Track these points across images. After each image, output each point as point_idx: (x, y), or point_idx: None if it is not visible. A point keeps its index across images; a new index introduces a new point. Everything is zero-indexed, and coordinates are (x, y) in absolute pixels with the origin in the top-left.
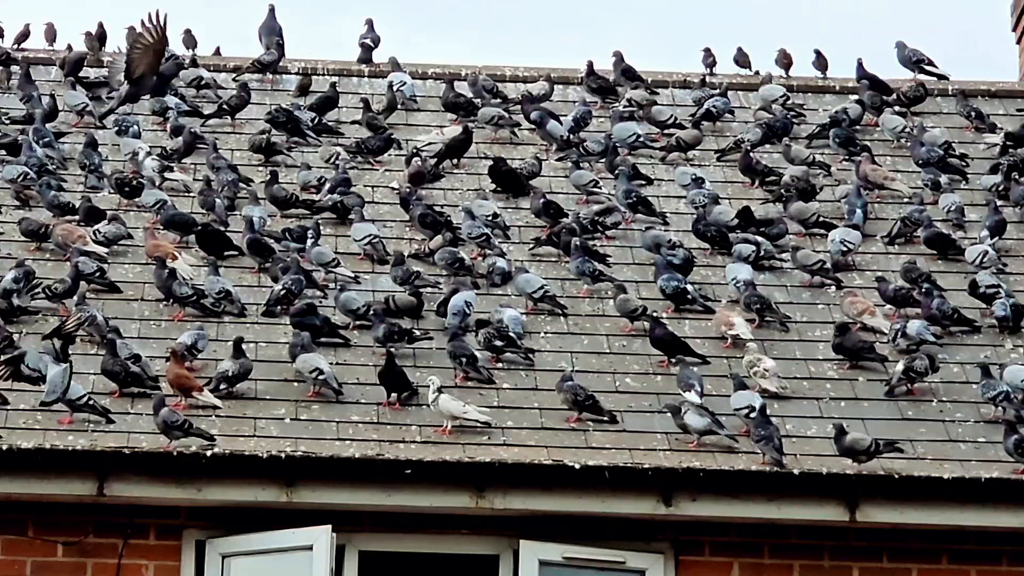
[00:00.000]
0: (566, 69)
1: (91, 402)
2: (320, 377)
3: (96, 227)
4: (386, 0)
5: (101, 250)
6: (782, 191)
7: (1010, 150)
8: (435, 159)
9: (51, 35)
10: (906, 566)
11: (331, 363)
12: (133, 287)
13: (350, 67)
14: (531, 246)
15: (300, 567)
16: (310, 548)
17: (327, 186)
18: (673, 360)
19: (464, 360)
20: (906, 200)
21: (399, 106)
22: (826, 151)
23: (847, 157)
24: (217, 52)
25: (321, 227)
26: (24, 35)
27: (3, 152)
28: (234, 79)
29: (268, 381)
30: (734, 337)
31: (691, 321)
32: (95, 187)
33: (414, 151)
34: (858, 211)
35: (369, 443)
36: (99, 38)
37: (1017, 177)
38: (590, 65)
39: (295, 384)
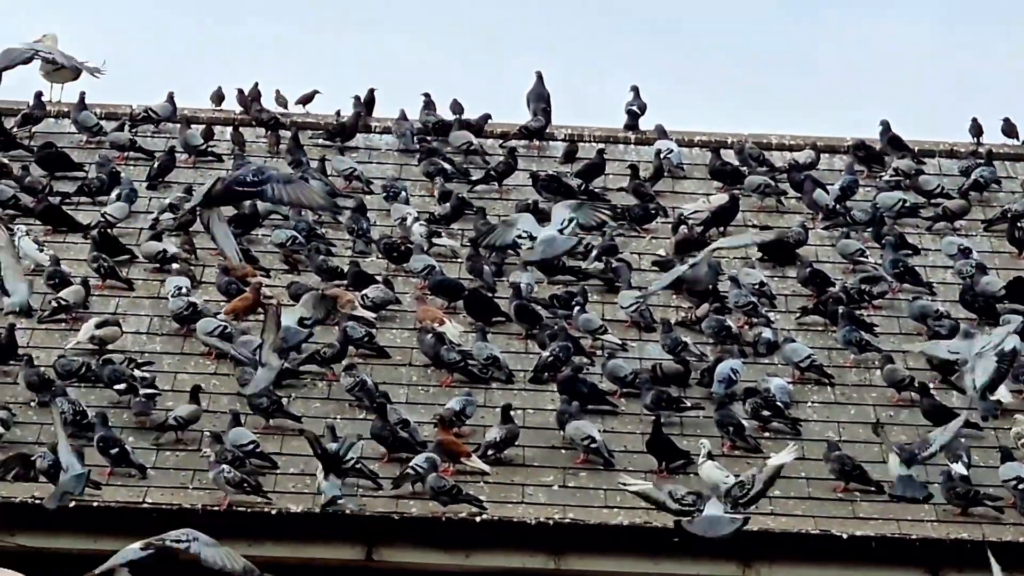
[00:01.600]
0: (832, 138)
1: (359, 466)
2: (592, 445)
3: (364, 292)
4: (651, 67)
5: (369, 315)
6: None
7: None
8: (702, 227)
9: (307, 99)
10: None
11: (599, 430)
12: (401, 352)
13: (616, 134)
14: (798, 315)
15: None
16: None
17: (594, 253)
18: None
19: (731, 429)
20: None
21: (665, 173)
22: None
23: None
24: (486, 118)
25: (588, 294)
26: (308, 98)
27: (278, 217)
28: (501, 145)
29: (536, 448)
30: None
31: (959, 393)
32: (363, 252)
33: (681, 218)
34: None
35: (637, 511)
36: (367, 104)
37: None
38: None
39: (563, 451)
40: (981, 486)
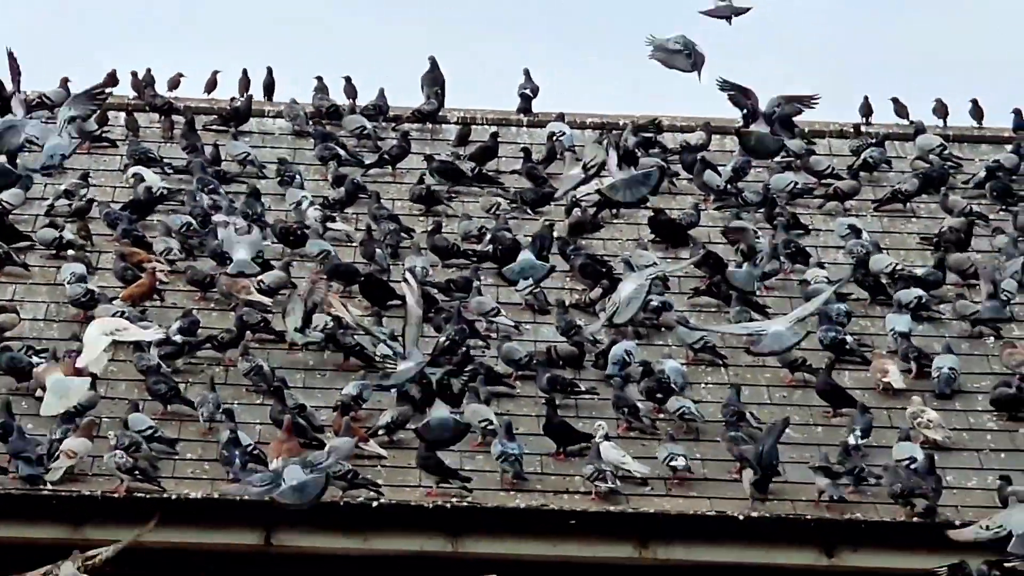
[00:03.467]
0: (723, 119)
1: (256, 451)
2: (489, 427)
3: (259, 277)
4: (542, 47)
5: (265, 300)
6: (941, 241)
7: None
8: (594, 209)
9: (211, 85)
10: None
11: (495, 412)
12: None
13: (509, 116)
14: (690, 295)
15: None
16: None
17: (488, 236)
18: (842, 412)
19: (627, 411)
20: None
21: (558, 156)
22: (982, 201)
23: (1004, 208)
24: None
25: (482, 277)
26: (211, 84)
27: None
28: (394, 128)
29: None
30: (886, 385)
31: (850, 372)
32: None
33: (573, 201)
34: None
35: (534, 494)
36: (266, 86)
37: None
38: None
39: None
40: (874, 465)
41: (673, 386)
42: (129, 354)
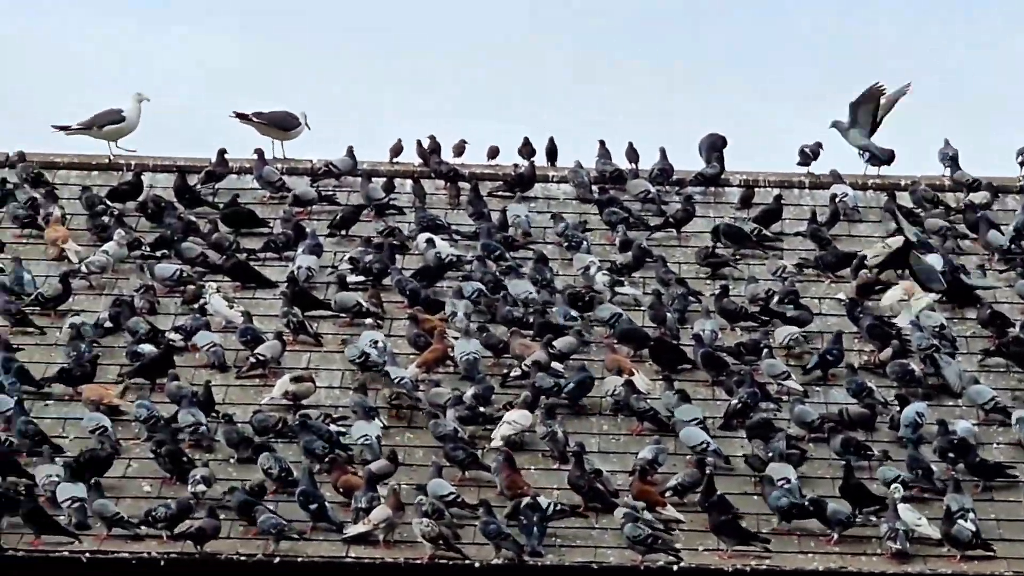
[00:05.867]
0: (1006, 177)
1: (561, 507)
2: (786, 486)
3: (552, 341)
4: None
5: (556, 365)
6: None
7: None
8: (877, 269)
9: (493, 153)
10: None
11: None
12: (589, 401)
13: (791, 178)
14: (980, 358)
15: None
16: None
17: (775, 299)
18: None
19: (920, 472)
20: None
21: (841, 217)
22: None
23: None
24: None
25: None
26: (493, 153)
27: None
28: (677, 192)
29: (729, 495)
30: None
31: None
32: (547, 302)
33: (861, 262)
34: None
35: (831, 556)
36: (548, 152)
37: None
38: None
39: (754, 497)
40: None
41: (965, 447)
42: (424, 420)
